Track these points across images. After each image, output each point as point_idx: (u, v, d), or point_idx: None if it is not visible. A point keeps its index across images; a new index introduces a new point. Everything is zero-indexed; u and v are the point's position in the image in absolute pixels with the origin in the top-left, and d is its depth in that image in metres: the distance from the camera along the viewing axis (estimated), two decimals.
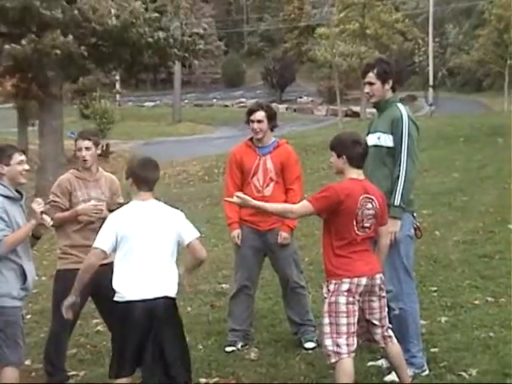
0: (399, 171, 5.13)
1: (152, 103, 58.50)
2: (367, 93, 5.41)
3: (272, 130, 6.16)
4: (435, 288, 7.47)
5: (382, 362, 5.41)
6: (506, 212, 10.53)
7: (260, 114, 6.07)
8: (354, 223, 4.59)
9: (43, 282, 8.76)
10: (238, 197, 4.75)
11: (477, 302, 6.90)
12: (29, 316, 7.72)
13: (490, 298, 6.99)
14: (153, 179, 4.64)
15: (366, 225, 4.63)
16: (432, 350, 5.71)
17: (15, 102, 24.73)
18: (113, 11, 18.11)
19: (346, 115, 46.40)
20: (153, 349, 4.41)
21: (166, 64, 22.16)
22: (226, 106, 56.38)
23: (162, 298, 4.46)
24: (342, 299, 4.55)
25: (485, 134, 20.41)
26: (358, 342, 4.70)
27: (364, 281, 4.59)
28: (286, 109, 52.08)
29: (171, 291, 4.52)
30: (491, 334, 5.96)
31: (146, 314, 4.41)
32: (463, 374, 5.20)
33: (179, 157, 28.45)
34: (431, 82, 45.51)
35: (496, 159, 16.25)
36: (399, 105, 5.31)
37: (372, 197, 4.67)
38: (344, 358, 4.53)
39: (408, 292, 5.24)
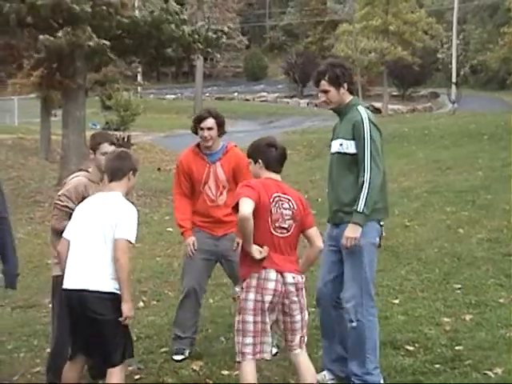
0: (363, 177, 4.88)
1: (173, 96, 58.52)
2: (324, 101, 5.17)
3: (220, 137, 5.98)
4: (459, 286, 7.43)
5: (325, 374, 5.26)
6: None
7: (210, 122, 5.89)
8: (269, 221, 4.47)
9: None
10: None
11: (501, 301, 6.85)
12: None
13: None
14: (111, 168, 4.73)
15: (284, 225, 4.52)
16: (457, 347, 5.68)
17: (39, 92, 24.82)
18: (136, 3, 18.23)
19: None
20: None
21: (190, 58, 22.16)
22: (247, 100, 56.24)
23: (81, 290, 4.47)
24: (251, 296, 4.46)
25: (509, 132, 20.18)
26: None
27: (273, 275, 4.45)
28: (307, 104, 51.87)
29: (93, 284, 4.47)
30: None
31: (69, 304, 4.54)
32: (488, 372, 5.17)
33: None
34: (454, 79, 45.16)
35: None
36: (360, 107, 5.07)
37: (289, 197, 4.57)
38: (247, 360, 4.46)
39: (367, 304, 5.03)
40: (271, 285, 4.45)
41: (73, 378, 4.69)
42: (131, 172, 4.75)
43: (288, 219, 4.53)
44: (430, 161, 17.34)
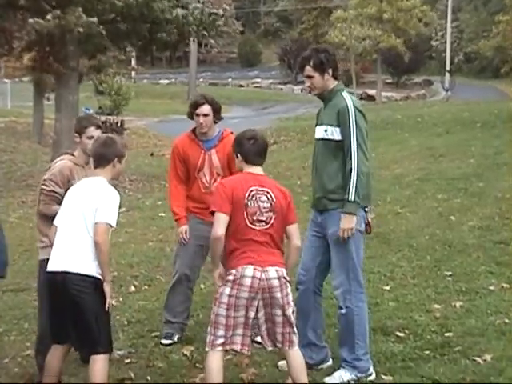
0: (351, 165, 4.86)
1: (167, 81, 58.34)
2: (308, 86, 5.16)
3: (215, 123, 5.96)
4: (450, 273, 7.46)
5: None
6: None
7: (206, 108, 5.85)
8: (245, 215, 4.49)
9: None
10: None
11: (492, 288, 6.88)
12: None
13: (505, 285, 6.97)
14: (95, 155, 4.75)
15: (262, 218, 4.52)
16: (446, 334, 5.72)
17: (32, 75, 24.66)
18: None
19: (361, 98, 45.99)
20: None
21: (184, 41, 21.98)
22: (241, 85, 56.12)
23: (63, 272, 4.50)
24: (227, 290, 4.47)
25: (502, 121, 20.22)
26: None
27: (250, 271, 4.44)
28: (301, 90, 51.74)
29: (76, 267, 4.50)
30: (506, 321, 5.95)
31: (51, 286, 4.59)
32: (477, 359, 5.20)
33: None
34: (448, 67, 45.14)
35: None
36: (344, 93, 5.04)
37: (267, 190, 4.58)
38: (216, 351, 4.48)
39: (356, 290, 5.02)
40: (247, 281, 4.45)
41: (57, 363, 4.68)
42: (116, 159, 4.73)
43: (266, 212, 4.54)
44: (423, 148, 17.35)
